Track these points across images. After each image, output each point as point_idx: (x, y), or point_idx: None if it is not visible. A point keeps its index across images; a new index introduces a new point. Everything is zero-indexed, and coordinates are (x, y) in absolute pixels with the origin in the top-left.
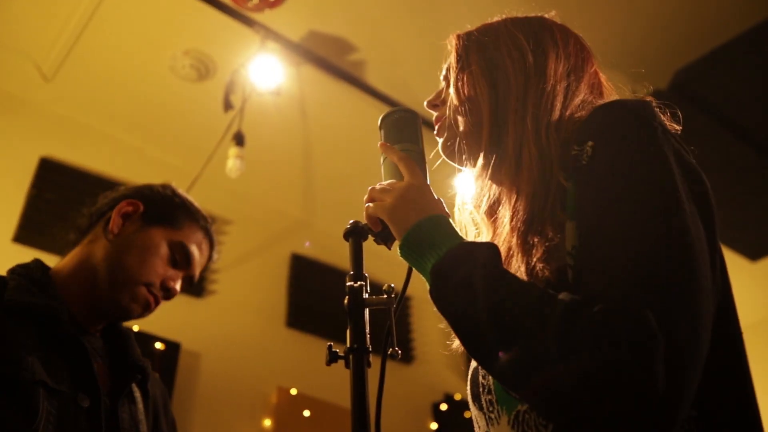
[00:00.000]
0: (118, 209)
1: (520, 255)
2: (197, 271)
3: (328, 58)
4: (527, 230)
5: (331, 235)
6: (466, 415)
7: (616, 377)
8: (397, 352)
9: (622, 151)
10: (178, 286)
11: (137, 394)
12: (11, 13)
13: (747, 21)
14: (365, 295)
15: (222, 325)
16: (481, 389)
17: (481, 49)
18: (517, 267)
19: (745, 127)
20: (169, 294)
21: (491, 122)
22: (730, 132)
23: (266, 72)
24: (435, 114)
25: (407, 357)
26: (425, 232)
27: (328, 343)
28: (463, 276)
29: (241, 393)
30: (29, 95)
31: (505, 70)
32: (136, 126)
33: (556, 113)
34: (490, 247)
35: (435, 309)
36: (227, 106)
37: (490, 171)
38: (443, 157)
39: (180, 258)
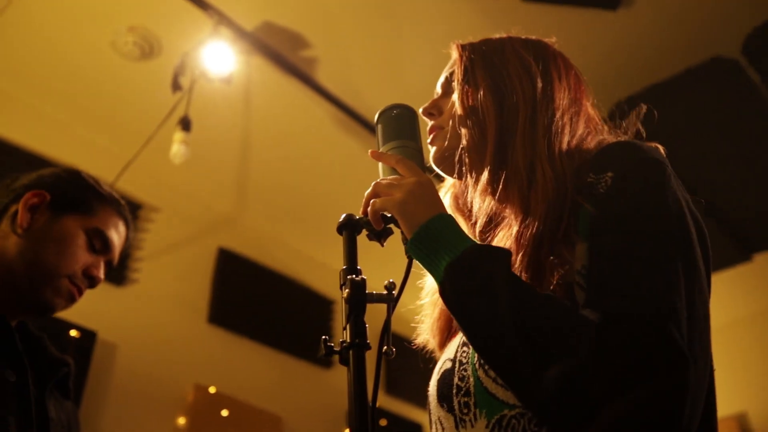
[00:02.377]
0: (24, 202)
1: (527, 271)
2: (117, 255)
3: (281, 51)
4: (538, 247)
5: (261, 232)
6: (382, 423)
7: (649, 390)
8: (392, 350)
9: (642, 187)
10: (101, 273)
11: (56, 395)
12: None
13: (686, 61)
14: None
15: (141, 316)
16: (455, 390)
17: (488, 65)
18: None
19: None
20: (93, 282)
21: (497, 139)
22: None
23: (218, 58)
24: (430, 122)
25: (327, 361)
26: (438, 230)
27: (323, 336)
28: (483, 278)
29: (156, 388)
30: None
31: (513, 89)
32: (66, 101)
33: (566, 141)
34: (508, 253)
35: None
36: (175, 86)
37: (498, 186)
38: (433, 165)
39: (99, 244)
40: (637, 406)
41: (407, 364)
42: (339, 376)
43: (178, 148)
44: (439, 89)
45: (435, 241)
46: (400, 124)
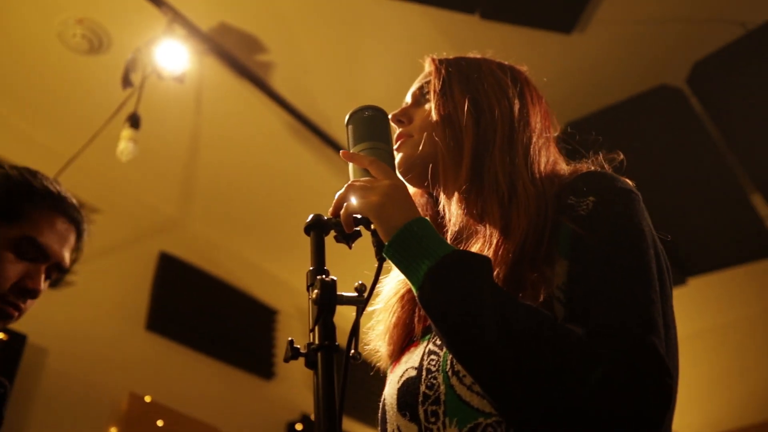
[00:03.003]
0: None
1: (506, 285)
2: (66, 256)
3: (236, 53)
4: (519, 262)
5: (205, 238)
6: None
7: (637, 396)
8: (359, 354)
9: (622, 212)
10: (39, 283)
11: None
12: None
13: (634, 87)
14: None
15: (75, 320)
16: (421, 399)
17: (465, 80)
18: None
19: None
20: (31, 294)
21: (474, 151)
22: None
23: (171, 56)
24: (398, 129)
25: (268, 373)
26: (417, 233)
27: (289, 339)
28: (466, 284)
29: (88, 395)
30: None
31: (491, 106)
32: (5, 92)
33: (543, 163)
34: (489, 260)
35: (301, 325)
36: (126, 83)
37: (474, 198)
38: (397, 172)
39: (32, 253)
40: (624, 412)
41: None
42: (280, 387)
43: (125, 146)
44: (409, 99)
45: (414, 245)
46: (372, 125)
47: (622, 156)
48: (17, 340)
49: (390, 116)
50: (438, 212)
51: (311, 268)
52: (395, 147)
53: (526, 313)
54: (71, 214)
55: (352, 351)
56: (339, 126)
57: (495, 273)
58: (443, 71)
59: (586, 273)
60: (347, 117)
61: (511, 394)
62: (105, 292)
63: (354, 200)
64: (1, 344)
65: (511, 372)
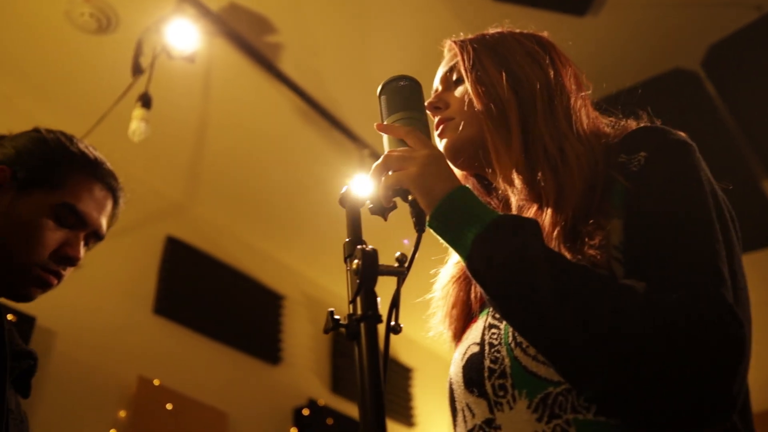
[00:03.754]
0: None
1: (564, 242)
2: (103, 224)
3: (245, 34)
4: (575, 224)
5: (212, 222)
6: (329, 422)
7: (708, 349)
8: (399, 325)
9: (677, 164)
10: (78, 251)
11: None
12: None
13: (649, 70)
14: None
15: (84, 303)
16: (487, 374)
17: (494, 55)
18: None
19: None
20: (71, 261)
21: (521, 124)
22: None
23: (181, 35)
24: (437, 117)
25: (275, 358)
26: (461, 202)
27: (329, 309)
28: (516, 249)
29: (98, 378)
30: None
31: (526, 76)
32: (11, 71)
33: (584, 122)
34: (537, 223)
35: (307, 311)
36: (136, 69)
37: (529, 170)
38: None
39: (71, 219)
40: (694, 365)
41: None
42: (287, 373)
43: (137, 126)
44: (439, 84)
45: (459, 214)
46: (406, 95)
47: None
48: (26, 322)
49: (426, 104)
50: (490, 197)
51: (348, 240)
52: (438, 133)
53: (581, 272)
54: (108, 181)
55: (393, 322)
56: (348, 109)
57: (554, 232)
58: (470, 49)
59: (642, 228)
60: (380, 87)
61: (573, 358)
62: (113, 275)
63: (392, 172)
64: (9, 327)
65: (570, 335)
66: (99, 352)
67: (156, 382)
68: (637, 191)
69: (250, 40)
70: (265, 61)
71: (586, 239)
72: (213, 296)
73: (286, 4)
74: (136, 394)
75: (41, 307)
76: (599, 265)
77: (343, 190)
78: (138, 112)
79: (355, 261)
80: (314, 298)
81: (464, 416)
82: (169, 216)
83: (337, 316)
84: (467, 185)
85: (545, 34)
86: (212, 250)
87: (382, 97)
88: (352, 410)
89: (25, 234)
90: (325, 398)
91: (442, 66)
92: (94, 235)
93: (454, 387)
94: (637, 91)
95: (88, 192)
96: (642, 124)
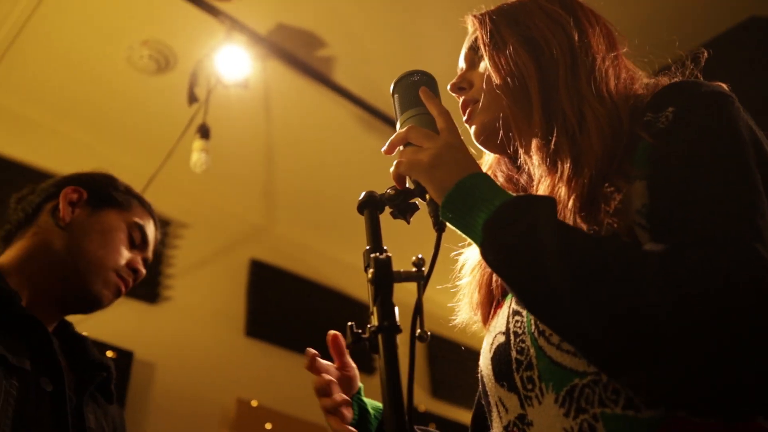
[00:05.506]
0: (63, 197)
1: (581, 209)
2: (151, 253)
3: (296, 53)
4: (592, 189)
5: (291, 240)
6: (431, 427)
7: (737, 313)
8: (425, 333)
9: (709, 115)
10: (143, 268)
11: (100, 399)
12: None
13: (725, 22)
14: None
15: (178, 333)
16: (515, 366)
17: (514, 25)
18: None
19: None
20: (137, 276)
21: (542, 94)
22: None
23: (232, 63)
24: (461, 98)
25: (369, 368)
26: (470, 188)
27: (349, 323)
28: (526, 230)
29: (198, 405)
30: None
31: (548, 42)
32: (88, 121)
33: (612, 83)
34: (551, 200)
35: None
36: (192, 99)
37: (551, 141)
38: (477, 144)
39: (139, 239)
40: (728, 336)
41: (451, 365)
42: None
43: (198, 157)
44: (462, 63)
45: (468, 201)
46: (412, 91)
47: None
48: (125, 357)
49: (449, 87)
50: (520, 175)
51: (367, 248)
52: (465, 119)
53: (595, 249)
54: (155, 217)
55: (418, 330)
56: None
57: (570, 204)
58: (488, 22)
59: (667, 187)
60: (392, 84)
61: (595, 347)
62: (203, 303)
63: (404, 161)
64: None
65: (588, 322)
66: (197, 379)
67: (254, 403)
68: (663, 148)
69: (301, 57)
70: (319, 75)
71: (602, 205)
72: (301, 313)
73: (331, 18)
74: (235, 417)
75: (138, 342)
76: (619, 233)
77: (362, 196)
78: (197, 143)
79: (370, 270)
80: (404, 304)
81: (498, 411)
82: (250, 239)
83: (358, 330)
84: (497, 167)
85: None
86: (296, 268)
87: (395, 95)
88: (454, 414)
89: (104, 240)
90: (426, 403)
91: (465, 43)
92: (144, 263)
93: (485, 380)
94: (711, 47)
95: (147, 221)
96: (677, 79)
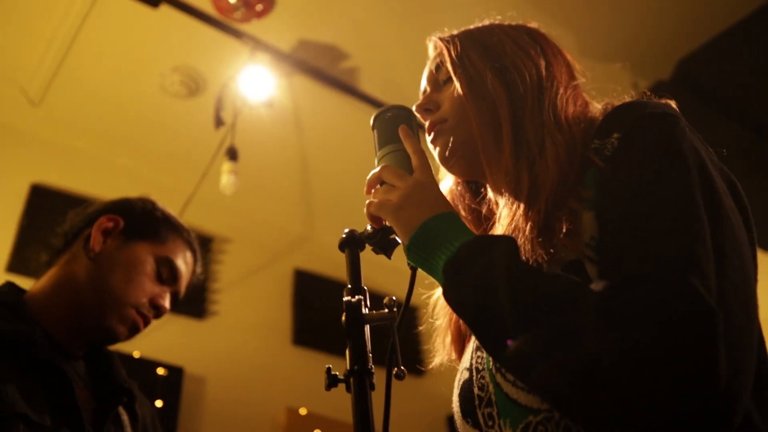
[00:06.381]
0: (97, 225)
1: (538, 241)
2: (184, 287)
3: (320, 66)
4: (547, 215)
5: (334, 248)
6: None
7: (671, 352)
8: (402, 371)
9: (652, 140)
10: (167, 304)
11: (124, 417)
12: None
13: (748, 6)
14: (365, 311)
15: (226, 346)
16: (477, 402)
17: (482, 49)
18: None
19: (750, 114)
20: (159, 312)
21: (512, 121)
22: (736, 121)
23: (257, 83)
24: (427, 120)
25: (417, 370)
26: (434, 230)
27: (327, 366)
28: (482, 268)
29: (249, 416)
30: (16, 121)
31: (520, 73)
32: (128, 147)
33: (570, 110)
34: (509, 239)
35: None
36: (218, 122)
37: (517, 168)
38: (440, 164)
39: (166, 274)
40: (657, 368)
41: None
42: (434, 382)
43: (227, 179)
44: (426, 85)
45: (429, 243)
46: (388, 127)
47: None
48: (175, 373)
49: (415, 107)
50: (480, 204)
51: (348, 287)
52: (431, 139)
53: (544, 287)
54: (194, 247)
55: (395, 369)
56: None
57: (527, 230)
58: (457, 45)
59: (610, 221)
60: (372, 120)
61: (543, 386)
62: (249, 315)
63: (375, 201)
64: (161, 379)
65: (534, 362)
66: (246, 390)
67: (302, 411)
68: (609, 178)
69: (325, 70)
70: (344, 86)
71: (557, 229)
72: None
73: (350, 29)
74: (285, 425)
75: (188, 358)
76: (572, 257)
77: (343, 235)
78: (226, 166)
79: (343, 314)
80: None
81: None
82: (293, 249)
83: (334, 372)
84: (457, 197)
85: (534, 24)
86: (339, 274)
87: (374, 131)
88: None
89: (128, 275)
90: None
91: (428, 65)
92: (174, 297)
93: (455, 417)
94: (736, 32)
95: (182, 254)
96: (626, 100)
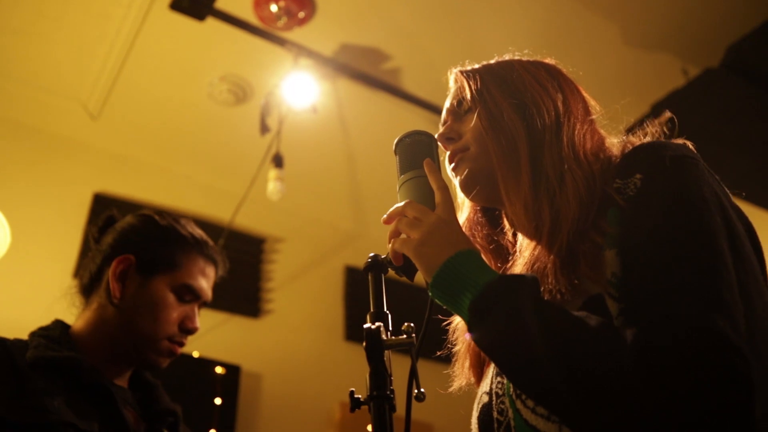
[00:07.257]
0: (112, 272)
1: (562, 272)
2: (209, 293)
3: (363, 69)
4: (570, 247)
5: (384, 244)
6: None
7: (709, 401)
8: (422, 393)
9: (675, 183)
10: (196, 321)
11: None
12: (53, 58)
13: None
14: (384, 336)
15: (281, 343)
16: (496, 426)
17: (502, 83)
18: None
19: None
20: (191, 332)
21: (530, 154)
22: None
23: (301, 89)
24: (449, 149)
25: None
26: (457, 269)
27: (350, 389)
28: (510, 313)
29: (304, 411)
30: (78, 134)
31: (539, 109)
32: (182, 154)
33: (588, 146)
34: (533, 279)
35: None
36: (264, 129)
37: (533, 203)
38: (461, 191)
39: (189, 296)
40: (697, 417)
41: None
42: None
43: (273, 186)
44: (447, 117)
45: (454, 282)
46: (412, 152)
47: (668, 115)
48: (233, 371)
49: (437, 136)
50: (499, 235)
51: (370, 312)
52: (452, 167)
53: (574, 329)
54: (211, 254)
55: (415, 392)
56: None
57: (550, 263)
58: (477, 79)
59: (634, 261)
60: (394, 145)
61: (575, 418)
62: (303, 312)
63: (398, 239)
64: (219, 378)
65: (567, 399)
66: (301, 385)
67: None
68: (632, 218)
69: (368, 72)
70: (388, 87)
71: (581, 260)
72: (398, 313)
73: (390, 30)
74: (340, 419)
75: (244, 356)
76: (595, 290)
77: (368, 259)
78: (272, 173)
79: (364, 341)
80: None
81: None
82: (344, 247)
83: (357, 396)
84: (475, 227)
85: (551, 61)
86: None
87: (396, 155)
88: None
89: (153, 315)
90: None
91: (448, 98)
92: (202, 305)
93: None
94: (750, 40)
95: (199, 269)
96: (645, 139)
